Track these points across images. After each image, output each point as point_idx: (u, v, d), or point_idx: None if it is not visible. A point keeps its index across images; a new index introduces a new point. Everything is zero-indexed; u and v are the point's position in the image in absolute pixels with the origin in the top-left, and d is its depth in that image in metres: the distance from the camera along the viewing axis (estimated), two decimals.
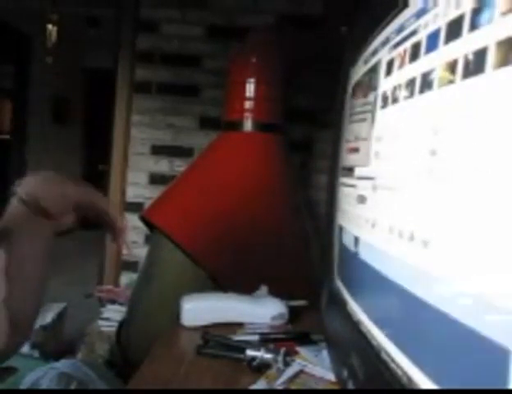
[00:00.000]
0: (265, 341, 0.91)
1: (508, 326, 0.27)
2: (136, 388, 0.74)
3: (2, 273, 0.60)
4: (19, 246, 0.66)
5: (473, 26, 0.34)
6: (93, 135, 5.91)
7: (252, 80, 1.80)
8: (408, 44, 0.47)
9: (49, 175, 0.71)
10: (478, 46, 0.33)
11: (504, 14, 0.30)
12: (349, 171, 0.68)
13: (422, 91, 0.42)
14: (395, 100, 0.49)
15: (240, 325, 0.98)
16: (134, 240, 2.45)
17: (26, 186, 0.68)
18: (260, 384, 0.75)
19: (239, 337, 0.92)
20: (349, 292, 0.64)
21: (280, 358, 0.80)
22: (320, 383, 0.77)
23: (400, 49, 0.49)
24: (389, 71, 0.53)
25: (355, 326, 0.57)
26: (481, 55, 0.32)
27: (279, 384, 0.75)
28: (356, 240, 0.60)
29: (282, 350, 0.81)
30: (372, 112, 0.58)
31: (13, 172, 4.84)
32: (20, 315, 0.64)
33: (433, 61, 0.40)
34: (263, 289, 1.07)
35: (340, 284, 0.70)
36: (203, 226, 1.66)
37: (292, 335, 0.94)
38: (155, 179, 2.44)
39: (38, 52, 4.74)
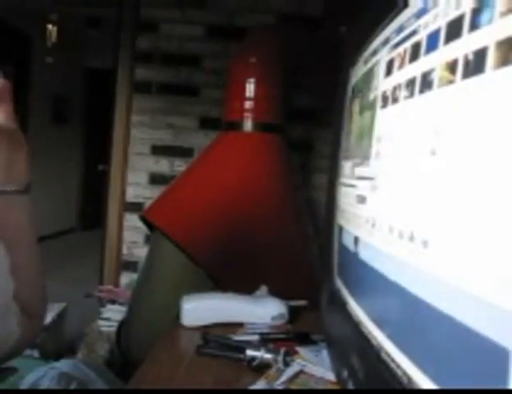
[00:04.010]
0: (265, 341, 0.91)
1: (508, 326, 0.27)
2: (136, 388, 0.74)
3: (7, 270, 0.61)
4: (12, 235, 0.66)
5: (473, 26, 0.34)
6: (93, 135, 5.90)
7: (252, 80, 1.80)
8: (408, 44, 0.47)
9: None
10: (478, 46, 0.33)
11: (504, 14, 0.30)
12: (349, 171, 0.68)
13: (422, 91, 0.42)
14: (395, 100, 0.49)
15: (240, 325, 0.98)
16: (134, 240, 2.46)
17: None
18: (260, 384, 0.75)
19: (239, 337, 0.92)
20: (349, 292, 0.64)
21: (280, 358, 0.80)
22: (320, 383, 0.77)
23: (400, 49, 0.49)
24: (389, 71, 0.53)
25: (355, 326, 0.57)
26: (481, 55, 0.32)
27: (279, 384, 0.75)
28: (356, 240, 0.60)
29: (282, 350, 0.81)
30: (372, 112, 0.58)
31: None
32: (29, 300, 0.66)
33: (433, 61, 0.40)
34: (263, 289, 1.07)
35: (340, 284, 0.70)
36: (203, 226, 1.66)
37: (292, 335, 0.94)
38: (155, 179, 2.44)
39: (38, 52, 4.74)
